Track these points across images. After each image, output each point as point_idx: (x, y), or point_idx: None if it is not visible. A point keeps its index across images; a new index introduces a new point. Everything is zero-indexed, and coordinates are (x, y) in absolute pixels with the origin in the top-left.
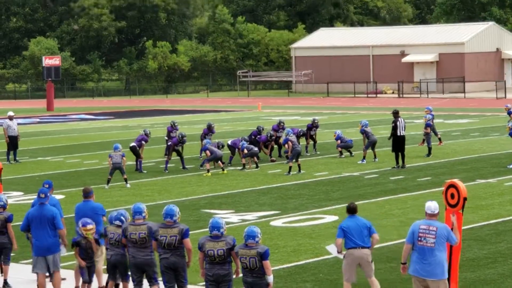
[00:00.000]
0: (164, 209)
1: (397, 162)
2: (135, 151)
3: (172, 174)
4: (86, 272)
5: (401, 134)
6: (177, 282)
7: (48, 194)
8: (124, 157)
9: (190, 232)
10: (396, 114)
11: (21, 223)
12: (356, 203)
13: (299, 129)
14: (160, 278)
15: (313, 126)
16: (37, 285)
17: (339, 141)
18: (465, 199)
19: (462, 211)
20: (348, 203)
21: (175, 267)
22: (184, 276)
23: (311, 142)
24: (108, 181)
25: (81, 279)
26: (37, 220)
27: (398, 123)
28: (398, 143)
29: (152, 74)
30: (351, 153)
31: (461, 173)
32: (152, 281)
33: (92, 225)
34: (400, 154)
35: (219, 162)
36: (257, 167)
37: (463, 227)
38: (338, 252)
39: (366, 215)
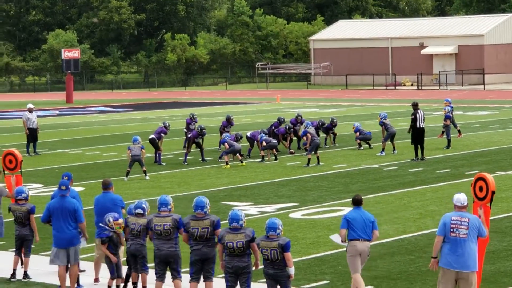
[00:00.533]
0: (194, 201)
1: (416, 154)
2: (154, 143)
3: (191, 166)
4: (115, 266)
5: (421, 126)
6: (204, 273)
7: (69, 186)
8: (143, 149)
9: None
10: (415, 106)
11: (41, 215)
12: (375, 195)
13: (318, 121)
14: (183, 271)
15: (332, 125)
16: (59, 277)
17: (358, 133)
18: (493, 192)
19: (490, 204)
20: (354, 195)
21: (206, 258)
22: (212, 268)
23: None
24: (127, 173)
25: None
26: (58, 212)
27: (417, 115)
28: (417, 135)
29: (171, 67)
30: (370, 145)
31: (481, 165)
32: (175, 274)
33: (121, 218)
34: (419, 146)
35: (238, 154)
36: (276, 159)
37: (490, 218)
38: (342, 242)
39: (385, 207)
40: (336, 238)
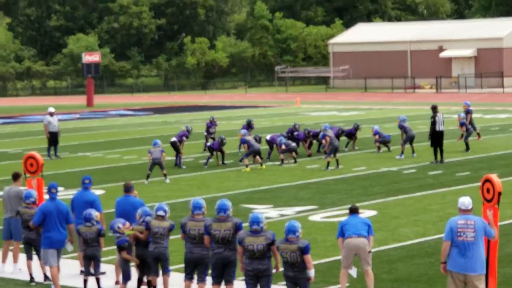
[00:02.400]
0: (217, 204)
1: (436, 157)
2: (176, 146)
3: (211, 169)
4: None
5: (440, 129)
6: (226, 276)
7: (57, 190)
8: (164, 152)
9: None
10: (434, 109)
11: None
12: (395, 198)
13: (338, 129)
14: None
15: (356, 130)
16: (52, 277)
17: (377, 136)
18: (499, 193)
19: (498, 205)
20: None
21: (228, 262)
22: (234, 271)
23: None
24: (148, 176)
25: (121, 274)
26: (54, 214)
27: (436, 118)
28: (436, 138)
29: (191, 70)
30: (389, 148)
31: (501, 168)
32: (202, 277)
33: (127, 223)
34: (438, 149)
35: (258, 157)
36: (295, 162)
37: (503, 222)
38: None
39: (404, 210)
40: (353, 272)
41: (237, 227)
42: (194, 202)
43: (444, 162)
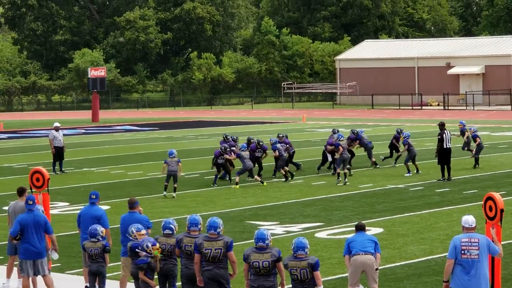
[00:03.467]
0: (207, 222)
1: (443, 175)
2: (223, 166)
3: (217, 185)
4: None
5: (447, 146)
6: None
7: (35, 201)
8: (180, 163)
9: (234, 244)
10: (442, 126)
11: (68, 232)
12: (401, 215)
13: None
14: None
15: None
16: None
17: (357, 142)
18: (502, 211)
19: (501, 223)
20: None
21: (219, 280)
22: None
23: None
24: (165, 188)
25: None
26: (31, 225)
27: (444, 135)
28: (444, 155)
29: (197, 86)
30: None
31: (508, 186)
32: None
33: (157, 243)
34: (446, 166)
35: (257, 176)
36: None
37: (507, 241)
38: None
39: (411, 227)
40: None
41: (228, 246)
42: (191, 218)
43: (452, 179)
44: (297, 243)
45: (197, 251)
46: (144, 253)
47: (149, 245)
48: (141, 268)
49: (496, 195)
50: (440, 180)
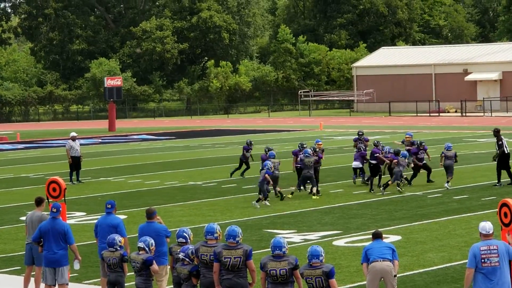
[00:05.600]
0: (226, 230)
1: (499, 180)
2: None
3: (234, 194)
4: None
5: (507, 151)
6: None
7: (60, 209)
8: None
9: (252, 253)
10: (497, 132)
11: (85, 242)
12: (420, 223)
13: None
14: None
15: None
16: None
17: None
18: None
19: None
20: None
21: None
22: None
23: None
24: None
25: None
26: (49, 233)
27: (503, 141)
28: (504, 160)
29: (214, 94)
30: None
31: None
32: None
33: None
34: (507, 171)
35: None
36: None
37: None
38: None
39: (429, 235)
40: None
41: (248, 254)
42: (208, 227)
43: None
44: (312, 251)
45: (217, 259)
46: (187, 259)
47: (193, 252)
48: (193, 275)
49: (511, 202)
50: (496, 185)
